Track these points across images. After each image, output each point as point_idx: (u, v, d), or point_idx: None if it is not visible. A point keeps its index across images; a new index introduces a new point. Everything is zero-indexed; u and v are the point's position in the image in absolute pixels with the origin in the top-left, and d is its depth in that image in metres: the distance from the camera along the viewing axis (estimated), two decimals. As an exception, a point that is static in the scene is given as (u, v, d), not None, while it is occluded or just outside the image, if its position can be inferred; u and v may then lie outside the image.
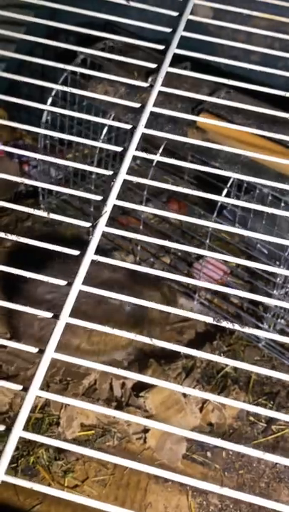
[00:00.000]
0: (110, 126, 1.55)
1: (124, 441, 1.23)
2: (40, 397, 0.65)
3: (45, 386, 1.28)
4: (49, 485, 1.18)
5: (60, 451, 1.21)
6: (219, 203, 1.36)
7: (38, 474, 1.19)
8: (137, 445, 1.23)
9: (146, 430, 1.22)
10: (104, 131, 1.46)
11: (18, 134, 1.92)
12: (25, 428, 1.24)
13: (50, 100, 1.51)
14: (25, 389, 0.65)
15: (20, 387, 0.65)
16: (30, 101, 0.87)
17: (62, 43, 0.97)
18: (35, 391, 0.64)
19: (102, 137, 1.47)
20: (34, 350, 0.68)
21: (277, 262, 1.34)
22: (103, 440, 1.23)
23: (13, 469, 1.19)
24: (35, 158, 1.76)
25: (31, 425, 1.23)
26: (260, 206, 0.86)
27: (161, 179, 1.83)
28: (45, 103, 1.49)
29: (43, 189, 1.65)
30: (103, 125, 1.55)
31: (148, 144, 1.67)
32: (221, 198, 0.84)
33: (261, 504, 0.57)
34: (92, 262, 0.73)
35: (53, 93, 1.49)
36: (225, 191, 1.37)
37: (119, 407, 1.26)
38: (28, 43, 0.97)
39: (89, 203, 1.61)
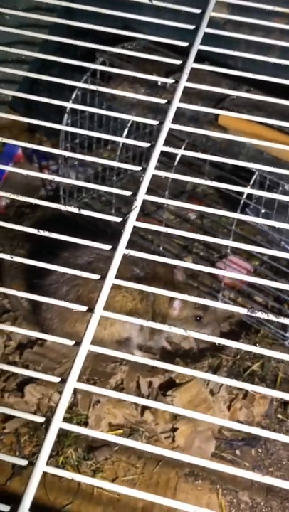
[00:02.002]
0: (129, 129, 1.55)
1: (152, 440, 1.23)
2: (77, 389, 0.65)
3: (73, 386, 1.28)
4: (79, 485, 1.18)
5: (89, 451, 1.21)
6: (242, 201, 1.35)
7: (67, 475, 1.19)
8: (165, 444, 1.22)
9: (174, 429, 1.22)
10: (126, 130, 1.46)
11: (36, 140, 1.93)
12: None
13: (70, 102, 1.52)
14: (63, 381, 0.65)
15: (58, 379, 0.66)
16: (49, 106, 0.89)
17: (82, 42, 0.98)
18: (73, 383, 0.65)
19: (124, 135, 1.47)
20: (71, 342, 0.68)
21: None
22: (132, 439, 1.23)
23: (42, 470, 1.19)
24: (54, 163, 1.77)
25: (59, 426, 1.23)
26: (283, 196, 0.85)
27: (182, 180, 1.83)
28: (63, 108, 1.51)
29: (64, 192, 1.66)
30: (123, 127, 1.56)
31: (169, 144, 1.67)
32: (246, 190, 0.84)
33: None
34: (124, 256, 0.73)
35: (73, 96, 1.50)
36: (247, 188, 1.36)
37: (146, 406, 1.25)
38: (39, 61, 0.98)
39: (110, 205, 1.62)
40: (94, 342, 1.38)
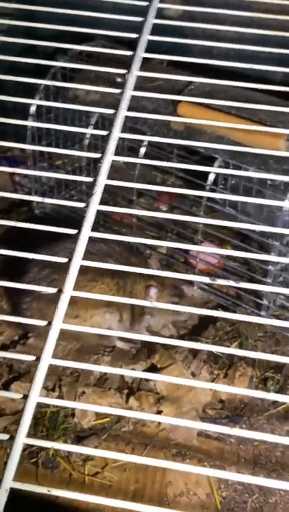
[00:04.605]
0: (94, 127, 1.58)
1: (139, 426, 1.26)
2: (52, 364, 0.67)
3: (57, 380, 1.31)
4: (70, 475, 1.20)
5: (78, 440, 1.24)
6: (207, 187, 1.39)
7: (58, 466, 1.22)
8: (152, 428, 1.25)
9: (159, 412, 1.25)
10: (90, 127, 1.49)
11: (5, 147, 1.96)
12: (42, 423, 1.26)
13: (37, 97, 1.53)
14: (38, 359, 0.68)
15: (33, 357, 0.69)
16: (14, 112, 0.92)
17: (34, 59, 1.01)
18: (48, 359, 0.68)
19: (91, 123, 1.49)
20: (43, 323, 0.71)
21: (270, 238, 1.38)
22: (119, 426, 1.26)
23: (33, 464, 1.21)
24: (25, 167, 1.80)
25: (48, 419, 1.26)
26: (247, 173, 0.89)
27: (151, 175, 1.87)
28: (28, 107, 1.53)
29: (36, 194, 1.68)
30: (89, 126, 1.59)
31: (133, 143, 1.71)
32: (212, 169, 0.87)
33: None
34: (90, 238, 0.77)
35: (37, 98, 1.53)
36: (212, 174, 1.41)
37: (131, 393, 1.28)
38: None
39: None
40: (74, 335, 1.40)
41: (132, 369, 1.32)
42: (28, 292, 1.38)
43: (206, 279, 0.73)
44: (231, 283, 0.73)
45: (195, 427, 0.56)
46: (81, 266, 0.73)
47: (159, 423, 1.25)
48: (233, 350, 0.71)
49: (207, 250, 0.80)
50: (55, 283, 1.33)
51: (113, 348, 1.40)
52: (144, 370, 1.32)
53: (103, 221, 1.66)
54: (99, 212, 0.78)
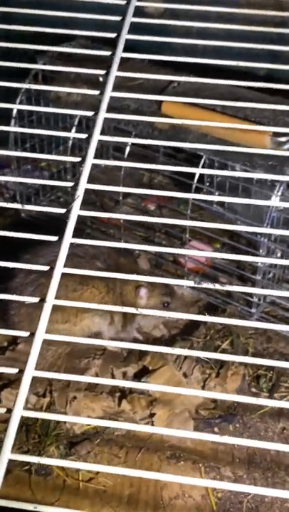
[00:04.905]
0: (77, 129, 1.56)
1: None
2: (35, 377, 0.66)
3: (48, 385, 1.30)
4: (64, 481, 1.19)
5: (70, 446, 1.23)
6: (194, 186, 1.38)
7: (52, 473, 1.21)
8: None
9: (152, 414, 1.24)
10: (73, 129, 1.48)
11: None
12: (34, 430, 1.25)
13: (15, 109, 1.53)
14: (21, 371, 0.66)
15: (16, 370, 0.67)
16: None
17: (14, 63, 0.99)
18: (31, 372, 0.66)
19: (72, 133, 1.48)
20: (25, 334, 0.70)
21: (258, 235, 1.37)
22: (111, 430, 1.25)
23: (26, 471, 1.20)
24: (10, 170, 1.78)
25: (39, 426, 1.25)
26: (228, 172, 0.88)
27: (138, 174, 1.86)
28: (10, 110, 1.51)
29: (21, 198, 1.67)
30: (72, 128, 1.57)
31: (118, 150, 1.69)
32: (197, 170, 0.86)
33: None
34: (71, 244, 0.75)
35: (18, 101, 1.51)
36: (198, 173, 1.39)
37: (123, 396, 1.27)
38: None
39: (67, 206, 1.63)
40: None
41: (124, 372, 1.31)
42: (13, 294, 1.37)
43: (191, 283, 0.72)
44: (217, 286, 0.72)
45: (186, 436, 0.55)
46: (69, 263, 0.72)
47: (153, 425, 1.24)
48: (225, 356, 0.69)
49: (196, 254, 0.78)
50: (42, 287, 1.31)
51: (104, 351, 1.38)
52: (136, 372, 1.31)
53: (90, 222, 1.64)
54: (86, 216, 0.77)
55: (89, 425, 1.25)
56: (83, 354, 1.36)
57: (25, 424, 1.25)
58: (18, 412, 0.63)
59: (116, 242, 0.78)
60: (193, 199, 1.39)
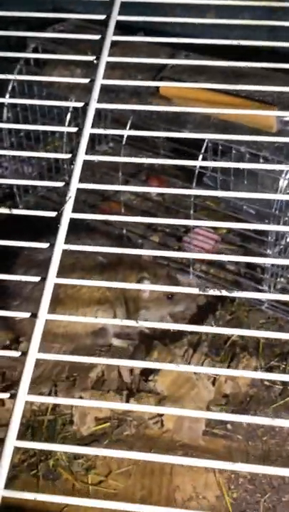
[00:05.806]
0: (73, 114, 1.49)
1: (141, 428, 1.20)
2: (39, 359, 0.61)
3: (53, 386, 1.25)
4: (73, 485, 1.15)
5: (78, 449, 1.18)
6: (197, 170, 1.31)
7: (60, 477, 1.17)
8: (155, 430, 1.20)
9: (161, 414, 1.19)
10: (68, 116, 1.40)
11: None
12: (40, 432, 1.20)
13: (7, 96, 1.45)
14: (24, 353, 0.62)
15: (18, 353, 0.63)
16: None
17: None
18: (34, 354, 0.62)
19: (67, 120, 1.41)
20: (27, 315, 0.65)
21: (266, 220, 1.30)
22: (120, 431, 1.20)
23: (33, 476, 1.16)
24: (6, 160, 1.71)
25: (45, 428, 1.20)
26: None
27: (137, 158, 1.78)
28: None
29: (18, 188, 1.60)
30: (67, 112, 1.49)
31: (117, 123, 1.63)
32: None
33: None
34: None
35: (9, 88, 1.44)
36: (200, 157, 1.32)
37: (130, 394, 1.22)
38: None
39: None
40: (67, 336, 1.35)
41: (131, 369, 1.26)
42: (15, 295, 1.32)
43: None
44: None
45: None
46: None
47: (162, 424, 1.19)
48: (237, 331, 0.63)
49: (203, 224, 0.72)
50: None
51: (110, 347, 1.33)
52: (143, 370, 1.26)
53: (89, 206, 1.58)
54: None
55: (96, 426, 1.21)
56: (88, 351, 1.31)
57: (31, 426, 1.21)
58: (23, 397, 0.58)
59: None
60: (196, 187, 1.32)
